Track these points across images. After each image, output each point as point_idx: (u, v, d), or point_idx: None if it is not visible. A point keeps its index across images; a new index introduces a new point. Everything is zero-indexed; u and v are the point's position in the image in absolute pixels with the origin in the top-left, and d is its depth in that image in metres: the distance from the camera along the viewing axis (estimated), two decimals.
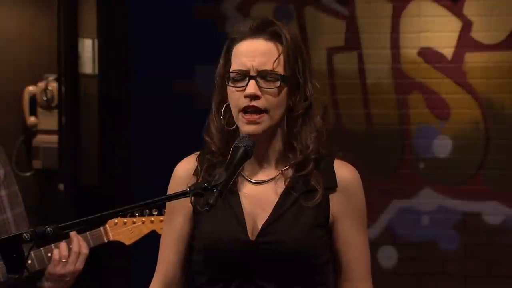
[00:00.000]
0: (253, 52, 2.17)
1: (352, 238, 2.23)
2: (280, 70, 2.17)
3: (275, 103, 2.17)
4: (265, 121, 2.16)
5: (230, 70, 2.19)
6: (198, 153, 2.28)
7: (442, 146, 5.48)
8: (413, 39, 5.50)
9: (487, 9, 5.42)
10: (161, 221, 2.94)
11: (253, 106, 2.15)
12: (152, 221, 2.98)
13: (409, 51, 5.51)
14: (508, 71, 5.40)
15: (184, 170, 2.27)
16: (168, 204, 2.31)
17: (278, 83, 2.16)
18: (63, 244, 2.89)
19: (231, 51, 2.21)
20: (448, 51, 5.46)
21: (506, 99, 5.41)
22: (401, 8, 5.51)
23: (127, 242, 3.02)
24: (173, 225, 2.27)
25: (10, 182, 2.94)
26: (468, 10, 5.42)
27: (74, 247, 2.88)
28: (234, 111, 2.19)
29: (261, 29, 2.19)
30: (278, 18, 2.26)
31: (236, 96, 2.17)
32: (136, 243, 3.03)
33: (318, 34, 5.54)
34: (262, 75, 2.16)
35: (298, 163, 2.21)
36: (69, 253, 2.88)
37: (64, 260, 2.87)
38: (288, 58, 2.18)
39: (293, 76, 2.19)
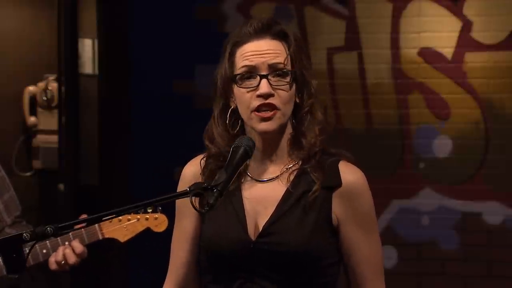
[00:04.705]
0: (260, 50, 2.16)
1: (357, 242, 2.20)
2: (289, 67, 2.17)
3: (287, 100, 2.16)
4: (278, 118, 2.16)
5: (237, 71, 2.17)
6: (202, 155, 2.27)
7: (442, 146, 5.47)
8: (413, 39, 5.50)
9: (487, 9, 5.41)
10: (156, 218, 2.97)
11: (268, 104, 2.14)
12: (146, 219, 2.99)
13: (409, 51, 5.50)
14: (508, 71, 5.39)
15: (192, 172, 2.27)
16: (177, 205, 2.30)
17: (288, 78, 2.16)
18: (60, 249, 2.92)
19: (235, 54, 2.19)
20: (448, 51, 5.45)
21: (506, 99, 5.41)
22: (401, 8, 5.50)
23: (122, 239, 3.03)
24: (182, 225, 2.28)
25: None
26: (468, 10, 5.42)
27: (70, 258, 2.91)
28: (244, 112, 2.17)
29: (266, 29, 2.19)
30: (278, 18, 2.26)
31: (247, 97, 2.16)
32: (132, 240, 3.04)
33: (318, 34, 5.54)
34: (274, 70, 2.15)
35: (303, 159, 2.20)
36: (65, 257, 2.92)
37: (63, 263, 2.92)
38: (295, 55, 2.18)
39: (300, 73, 2.19)
